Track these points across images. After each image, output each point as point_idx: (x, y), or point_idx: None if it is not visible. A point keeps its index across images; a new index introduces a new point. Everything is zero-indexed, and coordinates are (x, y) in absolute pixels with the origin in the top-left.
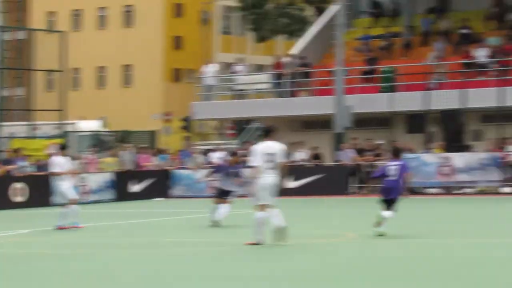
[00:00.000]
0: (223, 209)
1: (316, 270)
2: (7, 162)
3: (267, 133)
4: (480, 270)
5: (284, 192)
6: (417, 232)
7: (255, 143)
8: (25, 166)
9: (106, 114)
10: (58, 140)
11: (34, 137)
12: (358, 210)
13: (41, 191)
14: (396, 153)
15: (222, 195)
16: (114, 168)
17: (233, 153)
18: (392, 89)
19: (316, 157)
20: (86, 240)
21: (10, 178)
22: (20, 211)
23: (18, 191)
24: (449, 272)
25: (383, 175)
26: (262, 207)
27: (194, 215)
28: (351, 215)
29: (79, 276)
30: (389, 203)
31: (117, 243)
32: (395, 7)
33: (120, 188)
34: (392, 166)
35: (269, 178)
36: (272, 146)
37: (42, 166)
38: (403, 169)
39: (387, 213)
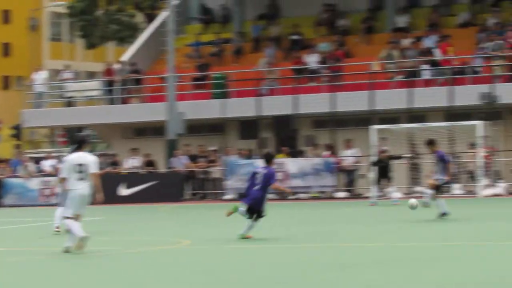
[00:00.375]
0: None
1: (151, 277)
2: None
3: (79, 144)
4: (309, 274)
5: (118, 199)
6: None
7: (67, 154)
8: None
9: None
10: None
11: None
12: (193, 216)
13: None
14: (268, 159)
15: None
16: None
17: None
18: (224, 96)
19: (149, 164)
20: None
21: None
22: None
23: None
24: (277, 276)
25: (252, 182)
26: (73, 217)
27: (30, 224)
28: (186, 222)
29: None
30: (251, 211)
31: None
32: (225, 13)
33: None
34: (259, 173)
35: (80, 189)
36: (83, 157)
37: None
38: (267, 177)
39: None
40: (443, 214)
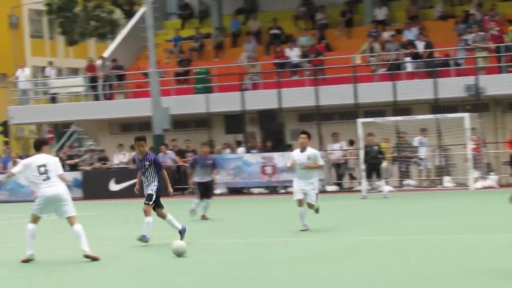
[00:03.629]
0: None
1: None
2: None
3: (38, 145)
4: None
5: (108, 194)
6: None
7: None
8: None
9: None
10: None
11: None
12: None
13: None
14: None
15: (204, 189)
16: None
17: (205, 144)
18: (207, 90)
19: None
20: None
21: None
22: None
23: None
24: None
25: None
26: (35, 219)
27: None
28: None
29: None
30: None
31: None
32: (204, 9)
33: None
34: None
35: (48, 190)
36: (44, 159)
37: None
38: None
39: None
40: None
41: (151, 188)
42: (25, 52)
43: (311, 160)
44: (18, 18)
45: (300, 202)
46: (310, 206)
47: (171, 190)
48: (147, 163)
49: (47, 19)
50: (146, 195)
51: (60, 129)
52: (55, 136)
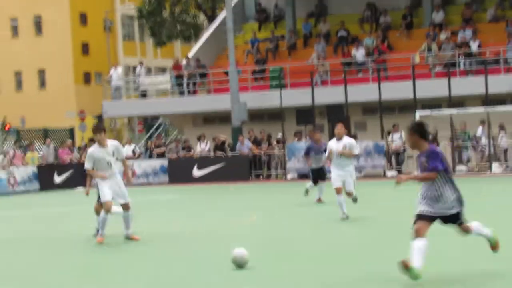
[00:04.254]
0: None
1: None
2: None
3: (98, 130)
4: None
5: (191, 179)
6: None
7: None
8: None
9: (25, 114)
10: None
11: None
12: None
13: None
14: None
15: (317, 174)
16: (37, 162)
17: (314, 130)
18: (281, 86)
19: (218, 148)
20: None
21: None
22: None
23: None
24: None
25: None
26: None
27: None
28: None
29: None
30: None
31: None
32: (278, 13)
33: (43, 180)
34: None
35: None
36: (110, 144)
37: None
38: None
39: None
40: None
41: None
42: (118, 53)
43: (347, 148)
44: (112, 22)
45: (339, 190)
46: (349, 194)
47: (131, 179)
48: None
49: (138, 23)
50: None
51: (149, 121)
52: (144, 128)
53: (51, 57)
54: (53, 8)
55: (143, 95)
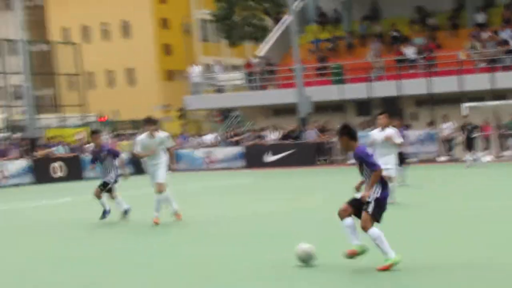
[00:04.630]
0: None
1: None
2: (45, 146)
3: (148, 123)
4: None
5: (264, 164)
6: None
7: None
8: (60, 149)
9: (117, 108)
10: (82, 129)
11: (64, 127)
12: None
13: (75, 168)
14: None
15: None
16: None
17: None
18: (341, 82)
19: (287, 136)
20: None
21: (49, 159)
22: (60, 184)
23: (57, 169)
24: None
25: None
26: (159, 186)
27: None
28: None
29: None
30: None
31: None
32: (337, 16)
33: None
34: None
35: (160, 161)
36: (157, 135)
37: (73, 149)
38: None
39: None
40: None
41: (109, 178)
42: (197, 53)
43: (389, 138)
44: (190, 25)
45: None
46: (388, 178)
47: (127, 173)
48: (103, 154)
49: (213, 26)
50: (102, 182)
51: (225, 113)
52: (222, 119)
53: (138, 57)
54: (138, 14)
55: (219, 90)
